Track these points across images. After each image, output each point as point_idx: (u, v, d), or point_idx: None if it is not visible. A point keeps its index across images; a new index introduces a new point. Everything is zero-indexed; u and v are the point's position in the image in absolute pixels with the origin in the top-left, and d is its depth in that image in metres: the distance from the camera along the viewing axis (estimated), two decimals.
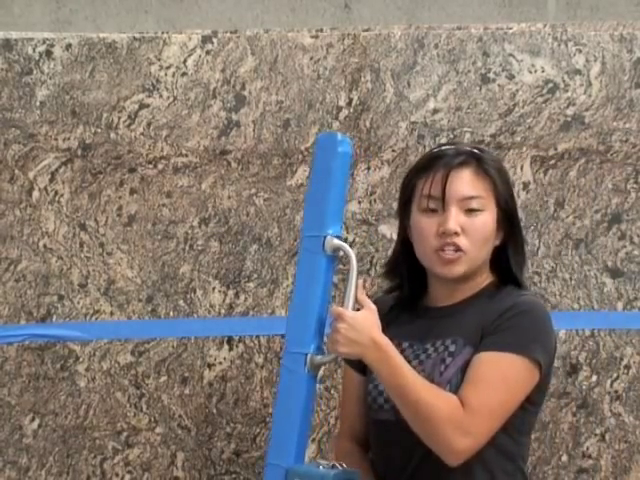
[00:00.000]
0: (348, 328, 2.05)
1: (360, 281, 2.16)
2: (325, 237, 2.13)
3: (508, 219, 2.17)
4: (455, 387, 2.08)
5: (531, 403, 2.12)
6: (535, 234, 2.94)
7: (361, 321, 2.06)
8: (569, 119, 2.93)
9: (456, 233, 2.12)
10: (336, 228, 2.17)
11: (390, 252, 2.40)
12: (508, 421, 2.07)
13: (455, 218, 2.11)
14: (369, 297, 2.14)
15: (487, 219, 2.14)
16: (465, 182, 2.14)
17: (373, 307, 2.11)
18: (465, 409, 2.00)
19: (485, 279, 2.22)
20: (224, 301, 2.90)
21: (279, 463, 2.08)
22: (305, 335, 2.13)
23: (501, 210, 2.16)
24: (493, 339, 2.08)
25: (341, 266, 2.91)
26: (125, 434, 2.90)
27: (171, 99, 2.89)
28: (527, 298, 2.17)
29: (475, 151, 2.19)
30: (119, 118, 2.88)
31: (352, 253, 2.13)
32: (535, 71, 2.92)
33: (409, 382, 2.03)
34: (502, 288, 2.20)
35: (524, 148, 2.93)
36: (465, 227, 2.12)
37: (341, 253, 2.18)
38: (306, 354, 2.14)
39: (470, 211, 2.13)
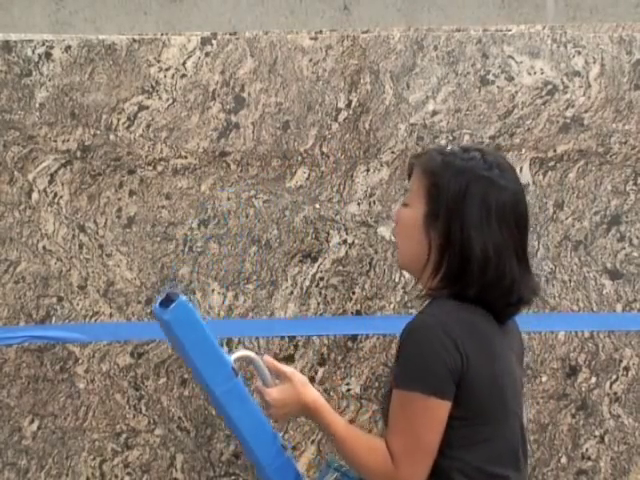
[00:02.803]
0: (276, 409, 2.15)
1: (265, 357, 2.23)
2: (232, 368, 2.18)
3: (441, 221, 2.09)
4: None
5: (454, 418, 2.06)
6: (534, 236, 2.95)
7: (284, 396, 2.14)
8: (568, 121, 2.93)
9: (395, 223, 2.20)
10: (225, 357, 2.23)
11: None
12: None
13: (396, 209, 2.15)
14: None
15: (409, 214, 2.13)
16: (412, 178, 2.17)
17: (291, 372, 2.17)
18: (393, 459, 2.05)
19: (427, 284, 2.16)
20: (223, 303, 2.90)
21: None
22: (274, 442, 2.23)
23: (430, 210, 2.10)
24: (394, 370, 2.12)
25: (341, 267, 2.91)
26: (124, 436, 2.90)
27: (170, 101, 2.89)
28: (415, 319, 2.13)
29: (432, 152, 2.18)
30: (118, 120, 2.88)
31: (249, 352, 2.25)
32: (534, 73, 2.92)
33: (341, 436, 2.11)
34: (434, 299, 2.15)
35: (523, 150, 2.93)
36: (396, 218, 2.19)
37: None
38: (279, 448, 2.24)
39: (403, 204, 2.16)
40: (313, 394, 2.15)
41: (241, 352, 2.27)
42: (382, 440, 2.08)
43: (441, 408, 2.02)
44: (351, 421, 2.94)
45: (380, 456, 2.06)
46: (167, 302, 2.07)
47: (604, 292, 2.96)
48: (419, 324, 2.08)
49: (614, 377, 2.97)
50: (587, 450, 2.98)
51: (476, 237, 2.04)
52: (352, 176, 2.91)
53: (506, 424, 2.11)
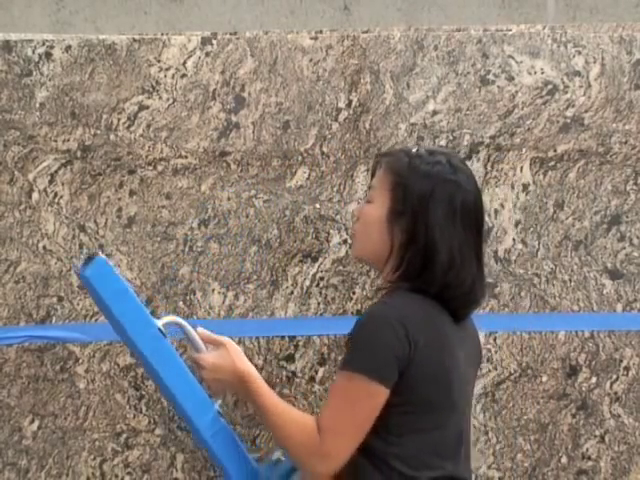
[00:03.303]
0: (209, 372, 2.21)
1: (199, 328, 2.30)
2: (159, 329, 2.24)
3: (406, 220, 2.14)
4: None
5: (396, 405, 2.10)
6: (534, 235, 2.95)
7: (219, 362, 2.21)
8: (568, 120, 2.93)
9: (357, 218, 2.27)
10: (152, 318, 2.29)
11: None
12: (377, 423, 2.11)
13: (358, 205, 2.26)
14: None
15: (372, 210, 2.19)
16: (376, 176, 2.23)
17: (227, 341, 2.24)
18: (320, 433, 2.09)
19: (388, 276, 2.21)
20: (223, 303, 2.90)
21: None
22: (203, 399, 2.28)
23: (394, 208, 2.15)
24: (344, 353, 2.18)
25: (341, 267, 2.92)
26: (125, 435, 2.90)
27: (171, 101, 2.89)
28: (373, 307, 2.19)
29: (399, 153, 2.23)
30: (119, 120, 2.88)
31: (178, 318, 2.31)
32: (534, 73, 2.92)
33: (270, 408, 2.15)
34: (395, 289, 2.19)
35: (524, 149, 2.93)
36: (358, 214, 2.25)
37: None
38: (215, 412, 2.30)
39: (367, 201, 2.22)
40: (247, 364, 2.21)
41: (170, 317, 2.33)
42: (313, 417, 2.12)
43: (380, 394, 2.07)
44: None
45: (307, 429, 2.11)
46: (88, 262, 2.18)
47: (604, 292, 2.96)
48: (376, 311, 2.15)
49: (614, 377, 2.97)
50: (587, 450, 2.98)
51: (440, 237, 2.11)
52: (352, 176, 2.91)
53: (450, 418, 2.16)
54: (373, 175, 2.27)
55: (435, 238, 2.11)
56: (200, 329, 2.29)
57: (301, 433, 2.11)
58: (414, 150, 2.23)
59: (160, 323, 2.25)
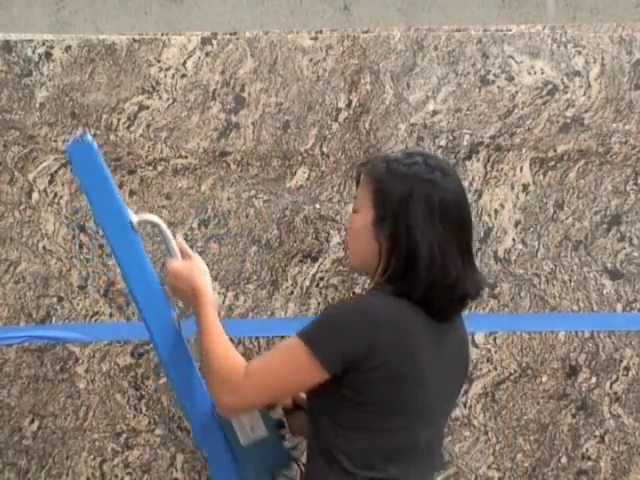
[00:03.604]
0: (170, 277, 2.26)
1: (178, 236, 2.37)
2: (130, 223, 2.29)
3: (388, 224, 2.15)
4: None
5: (347, 398, 2.12)
6: (534, 236, 2.95)
7: (182, 271, 2.25)
8: (568, 121, 2.93)
9: (346, 229, 2.29)
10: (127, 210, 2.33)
11: None
12: (331, 414, 2.15)
13: (349, 217, 2.23)
14: None
15: (359, 220, 2.19)
16: (359, 186, 2.24)
17: (195, 256, 2.30)
18: (244, 374, 2.13)
19: (375, 280, 2.22)
20: (223, 303, 2.90)
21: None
22: (162, 304, 2.31)
23: (378, 215, 2.16)
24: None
25: (341, 267, 2.91)
26: (125, 436, 2.90)
27: (170, 101, 2.89)
28: (351, 299, 2.25)
29: (377, 159, 2.25)
30: (119, 120, 2.88)
31: (157, 219, 2.34)
32: (534, 73, 2.92)
33: (210, 332, 2.20)
34: (375, 290, 2.21)
35: (523, 150, 2.93)
36: (348, 225, 2.26)
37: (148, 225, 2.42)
38: (174, 316, 2.32)
39: (353, 211, 2.23)
40: (204, 284, 2.25)
41: (148, 215, 2.37)
42: (245, 362, 2.16)
43: (315, 375, 2.09)
44: None
45: (236, 365, 2.15)
46: (78, 141, 2.24)
47: (604, 292, 2.96)
48: (352, 302, 2.21)
49: (614, 377, 2.97)
50: (587, 450, 2.98)
51: (421, 237, 2.12)
52: (352, 176, 2.91)
53: (409, 424, 2.15)
54: (357, 185, 2.28)
55: (416, 239, 2.12)
56: (180, 238, 2.35)
57: (228, 367, 2.15)
58: (392, 155, 2.25)
59: (135, 218, 2.30)
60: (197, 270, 2.27)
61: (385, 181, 2.16)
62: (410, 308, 2.13)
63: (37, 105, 2.85)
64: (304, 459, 2.29)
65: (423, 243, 2.11)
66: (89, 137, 2.22)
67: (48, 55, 2.86)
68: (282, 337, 2.91)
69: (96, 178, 2.25)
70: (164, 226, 2.33)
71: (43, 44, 2.87)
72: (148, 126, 2.89)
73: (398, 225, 2.13)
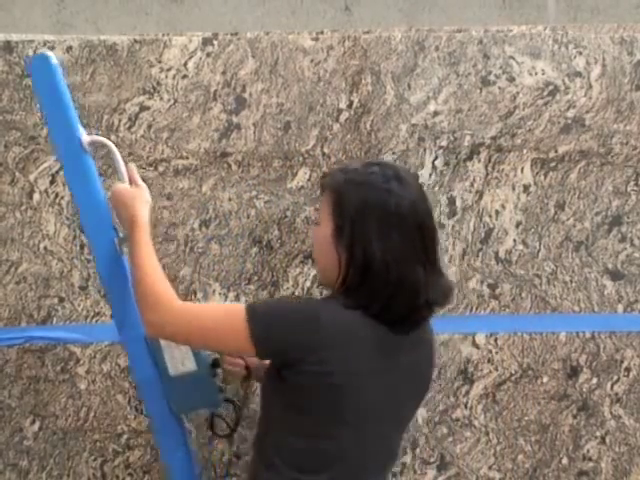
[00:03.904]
0: (114, 200, 2.34)
1: (131, 164, 2.45)
2: (80, 139, 2.37)
3: (345, 235, 2.15)
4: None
5: (284, 395, 2.14)
6: (535, 236, 2.95)
7: (126, 194, 2.33)
8: (569, 121, 2.93)
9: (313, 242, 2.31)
10: (79, 129, 2.41)
11: None
12: (275, 409, 2.18)
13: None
14: None
15: (320, 232, 2.21)
16: (321, 198, 2.26)
17: (142, 185, 2.37)
18: (177, 302, 2.19)
19: (333, 293, 2.23)
20: (225, 303, 2.90)
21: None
22: (106, 224, 2.40)
23: (336, 227, 2.16)
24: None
25: None
26: (125, 436, 2.90)
27: (172, 101, 2.89)
28: (308, 300, 2.31)
29: (335, 171, 2.26)
30: (120, 120, 2.88)
31: (109, 142, 2.44)
32: (535, 73, 2.92)
33: (146, 256, 2.27)
34: (331, 298, 2.22)
35: (524, 150, 2.93)
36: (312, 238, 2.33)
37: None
38: (114, 239, 2.41)
39: (315, 223, 2.28)
40: (144, 214, 2.31)
41: (100, 137, 2.45)
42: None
43: (243, 344, 2.13)
44: None
45: (169, 289, 2.22)
46: (40, 57, 2.36)
47: (605, 293, 2.96)
48: (305, 302, 2.26)
49: (615, 378, 2.97)
50: (588, 451, 2.98)
51: (377, 247, 2.10)
52: None
53: (348, 435, 2.14)
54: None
55: (371, 249, 2.10)
56: (132, 166, 2.42)
57: (161, 290, 2.21)
58: (351, 166, 2.27)
59: (85, 138, 2.37)
60: (140, 197, 2.33)
61: (342, 192, 2.15)
62: (361, 320, 2.11)
63: (38, 106, 2.85)
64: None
65: (378, 253, 2.09)
66: (51, 54, 2.32)
67: None
68: None
69: (53, 95, 2.32)
70: (114, 149, 2.40)
71: (44, 45, 2.87)
72: (149, 127, 2.89)
73: (354, 236, 2.12)
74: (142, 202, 2.33)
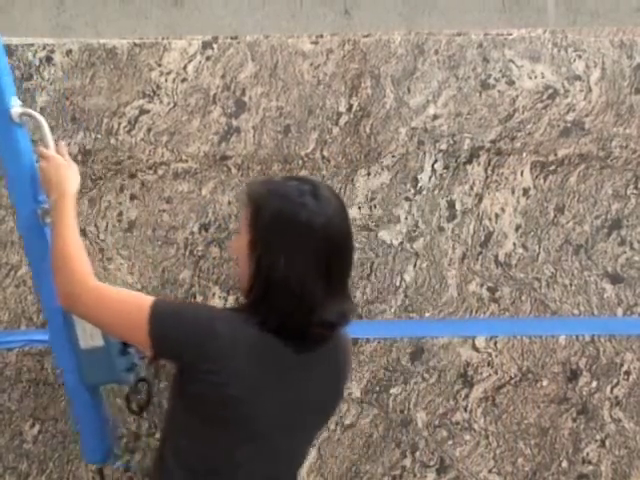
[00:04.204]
0: (48, 168, 2.39)
1: (62, 142, 2.51)
2: (9, 109, 2.45)
3: (256, 247, 2.14)
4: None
5: (183, 397, 2.15)
6: (535, 240, 2.95)
7: (59, 165, 2.40)
8: (569, 125, 2.93)
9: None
10: (13, 101, 2.49)
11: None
12: (176, 408, 2.19)
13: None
14: None
15: (237, 242, 2.21)
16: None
17: (71, 162, 2.44)
18: (91, 280, 2.22)
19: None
20: (224, 307, 2.90)
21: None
22: (32, 193, 2.45)
23: (251, 238, 2.15)
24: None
25: None
26: (125, 440, 2.90)
27: (171, 105, 2.89)
28: (209, 307, 2.36)
29: (257, 182, 2.26)
30: (119, 124, 2.88)
31: (39, 115, 2.51)
32: (535, 77, 2.93)
33: (68, 232, 2.28)
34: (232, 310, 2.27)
35: (524, 154, 2.93)
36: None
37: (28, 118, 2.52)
38: (37, 209, 2.45)
39: (236, 233, 2.28)
40: (74, 189, 2.37)
41: (30, 110, 2.51)
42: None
43: (138, 336, 2.13)
44: (351, 425, 2.95)
45: (86, 266, 2.25)
46: None
47: (605, 296, 2.96)
48: (207, 308, 2.30)
49: (615, 381, 2.97)
50: (588, 454, 2.98)
51: (282, 262, 2.08)
52: (353, 180, 2.91)
53: (241, 446, 2.14)
54: None
55: (277, 264, 2.08)
56: (62, 143, 2.48)
57: (81, 269, 2.24)
58: (273, 179, 2.31)
59: (16, 110, 2.45)
60: (71, 172, 2.39)
61: (260, 204, 2.13)
62: (258, 335, 2.10)
63: (38, 109, 2.85)
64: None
65: (282, 268, 2.07)
66: None
67: (49, 59, 2.86)
68: None
69: None
70: (44, 124, 2.46)
71: (44, 48, 2.87)
72: (149, 130, 2.89)
73: (264, 248, 2.11)
74: (73, 177, 2.39)
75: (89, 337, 2.49)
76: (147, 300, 2.15)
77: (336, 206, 2.15)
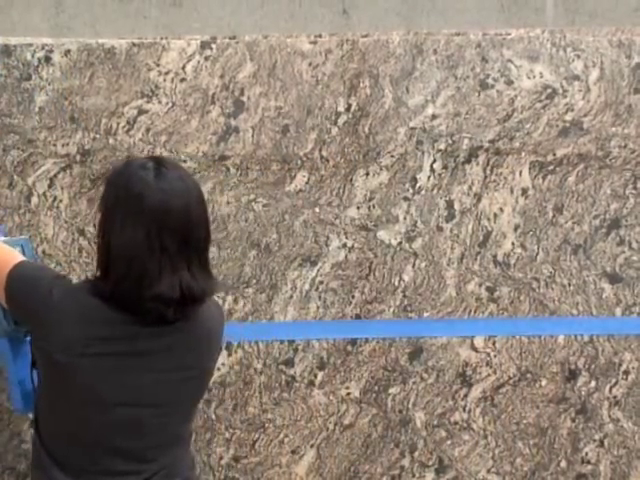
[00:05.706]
0: None
1: None
2: None
3: (101, 222, 2.20)
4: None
5: (39, 357, 2.20)
6: (534, 239, 2.95)
7: None
8: (568, 125, 2.93)
9: None
10: None
11: None
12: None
13: None
14: None
15: (98, 220, 2.23)
16: None
17: None
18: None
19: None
20: (223, 307, 2.90)
21: None
22: None
23: (101, 214, 2.20)
24: None
25: (340, 271, 2.92)
26: None
27: (170, 105, 2.89)
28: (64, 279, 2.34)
29: (118, 162, 2.34)
30: (118, 124, 2.88)
31: None
32: (534, 77, 2.93)
33: None
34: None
35: (523, 154, 2.93)
36: None
37: None
38: None
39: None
40: None
41: None
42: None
43: (3, 300, 2.23)
44: (350, 425, 2.95)
45: (10, 253, 2.31)
46: None
47: (604, 296, 2.96)
48: (58, 278, 2.26)
49: (614, 381, 2.97)
50: (587, 454, 2.98)
51: (116, 236, 2.13)
52: (351, 180, 2.91)
53: (78, 415, 2.17)
54: None
55: (112, 238, 2.14)
56: None
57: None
58: (131, 158, 2.32)
59: None
60: None
61: (108, 181, 2.20)
62: (96, 306, 2.14)
63: (36, 109, 2.85)
64: None
65: (116, 241, 2.13)
66: None
67: (47, 59, 2.86)
68: (281, 341, 2.92)
69: None
70: None
71: (42, 48, 2.87)
72: (147, 130, 2.89)
73: (104, 220, 2.17)
74: None
75: None
76: (15, 260, 2.24)
77: (179, 185, 2.16)
